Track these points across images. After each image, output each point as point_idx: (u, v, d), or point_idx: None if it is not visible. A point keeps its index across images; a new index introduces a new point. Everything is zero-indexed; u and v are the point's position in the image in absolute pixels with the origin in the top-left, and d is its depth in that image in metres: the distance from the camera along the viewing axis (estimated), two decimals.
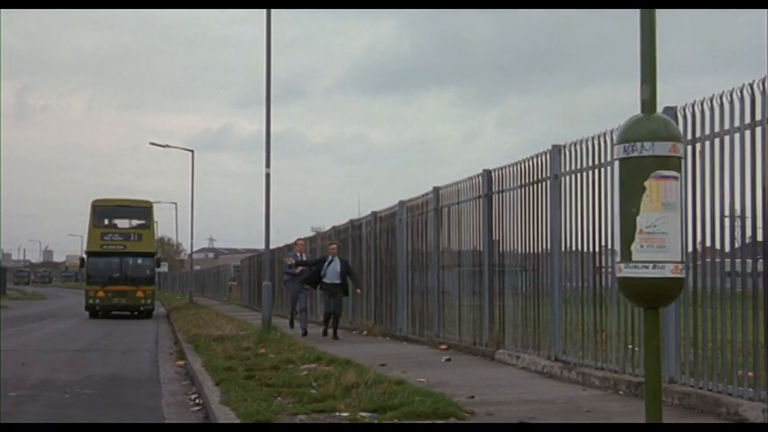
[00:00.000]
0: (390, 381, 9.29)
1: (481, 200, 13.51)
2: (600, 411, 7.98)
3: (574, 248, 10.72)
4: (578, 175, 10.42)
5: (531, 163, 11.74)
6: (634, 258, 5.06)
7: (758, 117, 7.53)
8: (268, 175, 19.30)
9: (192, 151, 53.93)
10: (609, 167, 9.66)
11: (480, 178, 13.54)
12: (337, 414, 7.74)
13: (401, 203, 18.00)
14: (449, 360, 12.91)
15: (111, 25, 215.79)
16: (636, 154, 5.08)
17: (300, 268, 19.26)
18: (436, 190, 15.79)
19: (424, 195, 16.62)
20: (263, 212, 20.52)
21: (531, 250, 11.90)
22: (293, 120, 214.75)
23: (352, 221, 22.58)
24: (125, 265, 33.94)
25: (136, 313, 33.88)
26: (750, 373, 7.54)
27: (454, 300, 15.16)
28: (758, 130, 7.53)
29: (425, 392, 8.60)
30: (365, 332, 19.62)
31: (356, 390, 8.77)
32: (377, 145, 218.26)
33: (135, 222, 35.61)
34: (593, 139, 10.05)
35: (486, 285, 13.33)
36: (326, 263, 18.00)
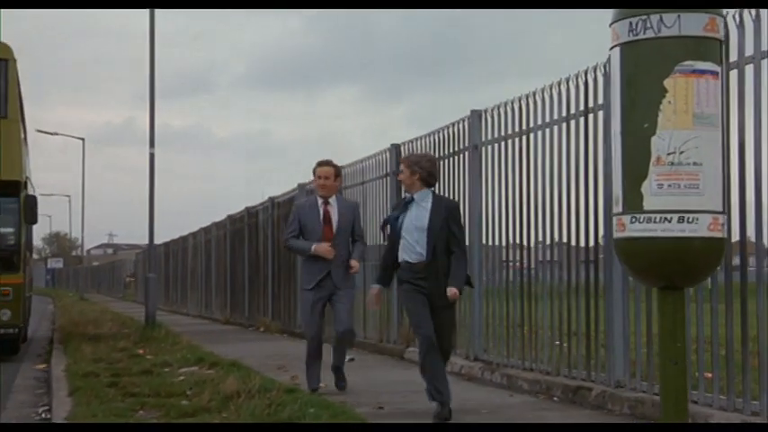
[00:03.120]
0: (280, 388, 7.69)
1: (389, 178, 11.95)
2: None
3: (498, 231, 9.25)
4: (502, 143, 8.95)
5: (446, 133, 10.23)
6: (647, 206, 3.49)
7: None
8: (152, 156, 17.46)
9: (83, 139, 51.61)
10: (539, 132, 8.23)
11: (388, 154, 11.99)
12: None
13: (300, 186, 16.34)
14: (352, 360, 11.31)
15: (9, 15, 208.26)
16: (650, 34, 3.41)
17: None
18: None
19: None
20: (154, 201, 18.72)
21: None
22: (199, 114, 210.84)
23: (248, 209, 20.84)
24: None
25: None
26: (711, 376, 6.13)
27: (360, 293, 13.56)
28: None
29: (322, 403, 6.99)
30: (262, 329, 17.99)
31: (236, 400, 7.12)
32: (283, 140, 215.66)
33: None
34: (519, 100, 8.61)
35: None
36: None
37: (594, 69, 7.38)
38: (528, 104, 8.49)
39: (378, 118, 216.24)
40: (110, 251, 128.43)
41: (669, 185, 3.43)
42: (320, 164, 8.40)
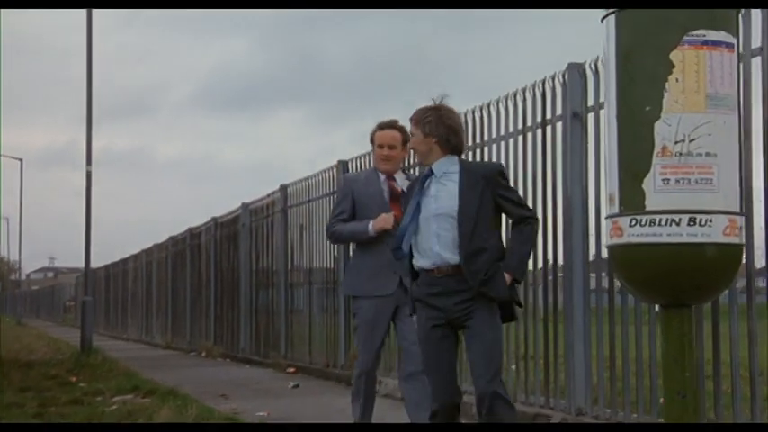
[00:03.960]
0: (219, 417, 7.17)
1: (336, 196, 11.46)
2: None
3: None
4: None
5: None
6: (650, 206, 2.96)
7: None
8: (89, 174, 16.80)
9: (21, 160, 50.48)
10: (494, 145, 7.85)
11: (334, 170, 11.52)
12: None
13: (244, 206, 15.82)
14: (297, 386, 10.81)
15: None
16: None
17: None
18: (284, 188, 13.69)
19: (269, 195, 14.49)
20: (91, 221, 18.05)
21: None
22: (143, 136, 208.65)
23: (190, 229, 20.24)
24: None
25: None
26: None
27: (305, 317, 13.08)
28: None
29: None
30: (204, 353, 17.38)
31: None
32: (228, 163, 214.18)
33: None
34: (473, 112, 8.21)
35: (343, 298, 11.28)
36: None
37: (553, 78, 7.01)
38: (482, 117, 8.10)
39: (324, 140, 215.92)
40: (50, 275, 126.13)
41: (677, 181, 2.91)
42: (381, 127, 6.00)
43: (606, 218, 3.59)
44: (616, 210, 3.25)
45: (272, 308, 14.37)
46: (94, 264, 32.45)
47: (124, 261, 30.13)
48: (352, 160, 11.10)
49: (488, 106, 7.98)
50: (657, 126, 2.97)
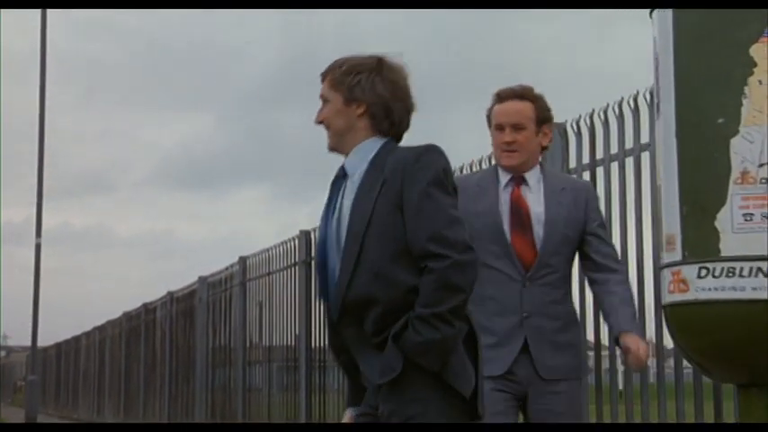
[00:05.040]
0: None
1: (298, 268, 10.98)
2: None
3: None
4: None
5: None
6: (726, 250, 2.31)
7: None
8: (38, 247, 16.19)
9: None
10: None
11: (296, 241, 11.04)
12: None
13: (201, 279, 15.25)
14: None
15: None
16: None
17: None
18: (243, 260, 13.17)
19: (228, 268, 13.95)
20: (39, 296, 17.37)
21: None
22: (101, 213, 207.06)
23: (145, 305, 19.61)
24: None
25: None
26: None
27: (263, 396, 12.47)
28: None
29: None
30: None
31: None
32: (187, 240, 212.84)
33: None
34: None
35: (304, 376, 10.72)
36: None
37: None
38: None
39: (285, 217, 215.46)
40: (3, 353, 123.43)
41: (764, 216, 2.21)
42: (501, 97, 4.01)
43: (662, 268, 2.96)
44: (678, 256, 2.62)
45: (229, 386, 13.73)
46: (47, 341, 31.40)
47: (77, 339, 29.24)
48: (314, 230, 10.64)
49: (460, 170, 7.59)
50: (735, 143, 2.29)
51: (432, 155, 2.95)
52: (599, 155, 5.50)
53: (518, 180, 3.93)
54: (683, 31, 2.53)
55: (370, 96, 3.04)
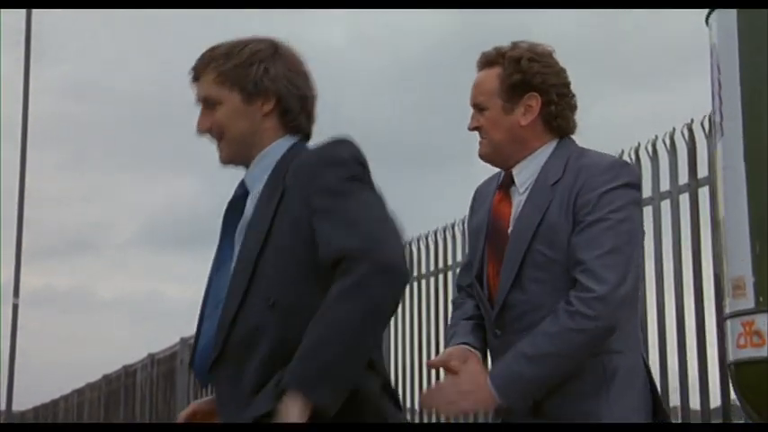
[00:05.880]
0: None
1: None
2: None
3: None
4: (423, 281, 7.80)
5: None
6: None
7: None
8: (15, 307, 15.85)
9: None
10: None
11: None
12: None
13: (183, 340, 14.81)
14: None
15: None
16: None
17: None
18: None
19: None
20: (15, 358, 16.90)
21: None
22: (83, 275, 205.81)
23: (125, 367, 19.13)
24: None
25: None
26: None
27: None
28: None
29: None
30: None
31: None
32: (173, 301, 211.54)
33: None
34: (434, 233, 7.55)
35: None
36: None
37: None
38: (446, 239, 7.40)
39: None
40: None
41: None
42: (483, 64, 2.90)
43: (727, 318, 2.68)
44: (749, 303, 2.32)
45: None
46: (25, 406, 30.59)
47: (55, 402, 28.61)
48: None
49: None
50: None
51: (339, 147, 2.34)
52: (646, 192, 4.96)
53: (505, 180, 2.88)
54: (750, 34, 2.21)
55: (282, 87, 2.43)
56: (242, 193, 2.49)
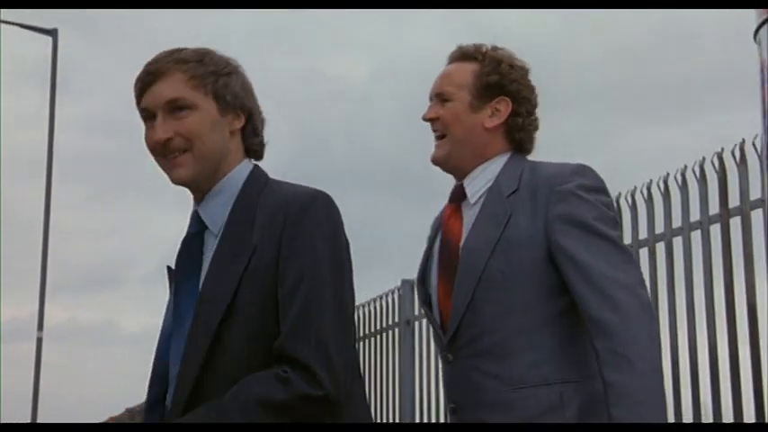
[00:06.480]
0: None
1: None
2: None
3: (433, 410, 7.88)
4: None
5: (373, 306, 8.95)
6: None
7: None
8: (39, 341, 15.95)
9: None
10: None
11: None
12: None
13: None
14: None
15: None
16: None
17: None
18: None
19: None
20: (39, 394, 16.93)
21: None
22: (108, 309, 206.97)
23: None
24: None
25: None
26: None
27: None
28: None
29: None
30: None
31: None
32: None
33: None
34: None
35: None
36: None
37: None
38: None
39: None
40: None
41: None
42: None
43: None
44: None
45: None
46: None
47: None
48: None
49: None
50: None
51: (322, 209, 2.01)
52: (676, 223, 4.65)
53: (455, 193, 2.61)
54: None
55: (253, 105, 2.14)
56: (198, 230, 2.12)
